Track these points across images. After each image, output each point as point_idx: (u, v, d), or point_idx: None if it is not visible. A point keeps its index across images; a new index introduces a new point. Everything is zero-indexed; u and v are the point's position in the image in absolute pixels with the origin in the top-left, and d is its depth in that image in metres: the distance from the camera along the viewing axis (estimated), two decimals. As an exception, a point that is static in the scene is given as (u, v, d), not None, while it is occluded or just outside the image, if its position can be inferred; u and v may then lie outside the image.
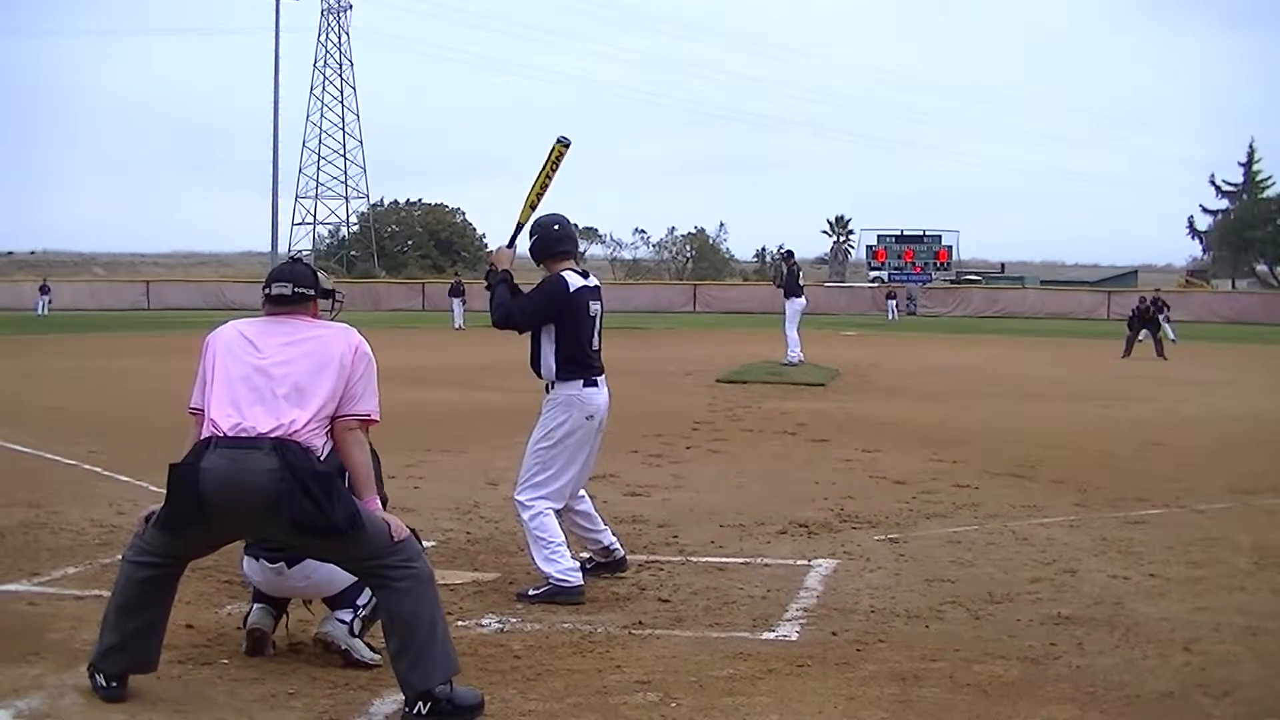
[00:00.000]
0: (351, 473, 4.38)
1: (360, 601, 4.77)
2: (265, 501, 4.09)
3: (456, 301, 39.08)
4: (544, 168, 6.20)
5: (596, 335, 6.12)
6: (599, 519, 6.34)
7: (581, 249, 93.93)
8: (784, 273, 22.48)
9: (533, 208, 6.13)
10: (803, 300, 21.69)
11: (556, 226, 6.16)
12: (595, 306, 6.11)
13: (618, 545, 6.35)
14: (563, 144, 6.17)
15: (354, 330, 4.51)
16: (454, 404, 15.13)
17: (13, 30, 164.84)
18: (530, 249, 6.17)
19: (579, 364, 6.02)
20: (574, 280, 6.03)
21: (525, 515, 5.99)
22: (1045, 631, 5.35)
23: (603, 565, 6.30)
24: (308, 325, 4.47)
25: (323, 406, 4.27)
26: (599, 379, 6.10)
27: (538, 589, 5.87)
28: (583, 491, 6.29)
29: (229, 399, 4.25)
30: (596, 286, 6.18)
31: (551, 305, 5.98)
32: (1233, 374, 22.85)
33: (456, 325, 37.85)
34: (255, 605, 4.94)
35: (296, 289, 4.50)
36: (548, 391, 6.10)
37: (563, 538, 5.98)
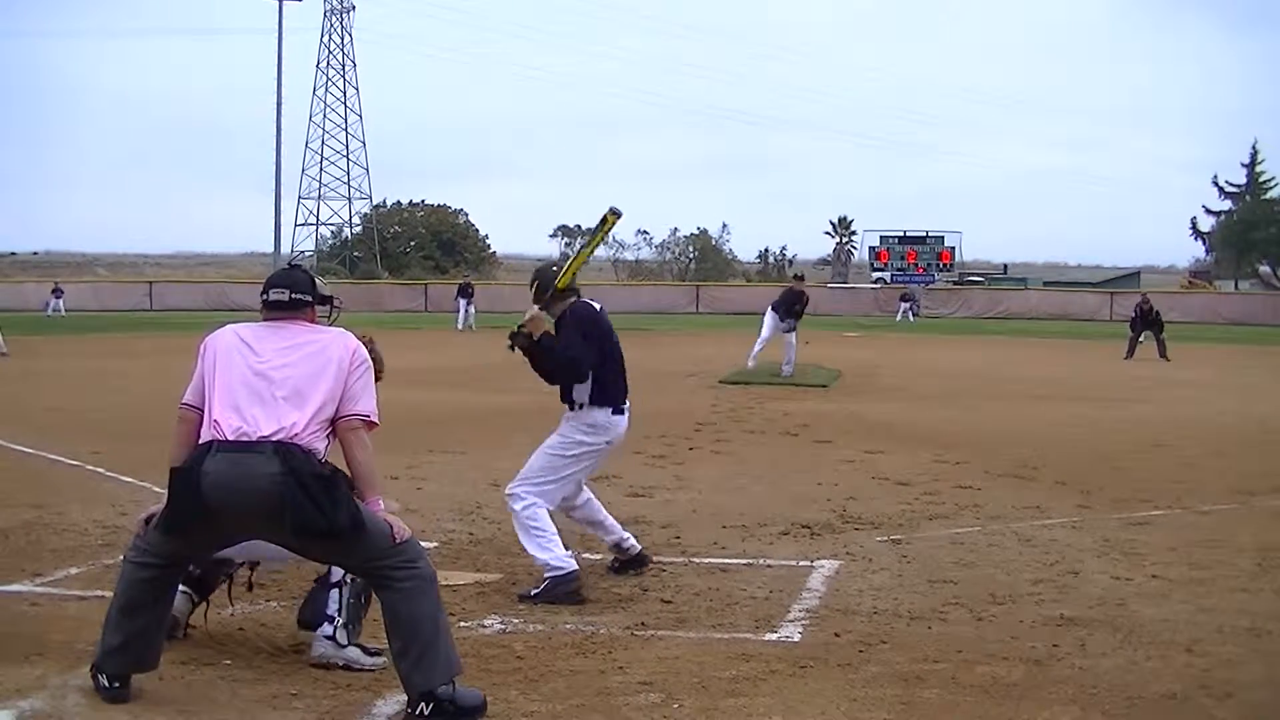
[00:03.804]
0: (354, 473, 4.38)
1: (331, 611, 4.72)
2: (267, 505, 4.10)
3: (464, 302, 38.94)
4: (594, 237, 6.31)
5: (622, 361, 6.17)
6: (606, 518, 6.35)
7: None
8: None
9: (572, 274, 6.14)
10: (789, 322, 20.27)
11: (555, 268, 6.24)
12: (615, 335, 6.19)
13: (631, 540, 6.38)
14: (614, 214, 6.14)
15: (351, 334, 4.54)
16: (456, 405, 15.13)
17: (15, 30, 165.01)
18: (540, 286, 6.12)
19: (614, 389, 6.05)
20: (593, 303, 6.14)
21: (517, 506, 5.99)
22: (1048, 633, 5.35)
23: (626, 564, 6.33)
24: (305, 330, 4.49)
25: (322, 409, 4.29)
26: (625, 405, 6.13)
27: (538, 587, 5.88)
28: (588, 494, 6.32)
29: (229, 403, 4.25)
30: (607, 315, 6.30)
31: (597, 332, 6.01)
32: (1235, 375, 22.84)
33: (460, 326, 37.78)
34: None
35: (294, 295, 4.52)
36: (573, 409, 6.09)
37: (555, 529, 6.00)
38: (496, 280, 67.87)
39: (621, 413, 6.10)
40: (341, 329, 4.62)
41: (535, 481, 6.01)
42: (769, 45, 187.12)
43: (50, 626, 5.22)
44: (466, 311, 38.32)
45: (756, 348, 20.42)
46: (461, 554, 6.84)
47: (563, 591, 5.80)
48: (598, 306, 6.16)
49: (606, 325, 6.10)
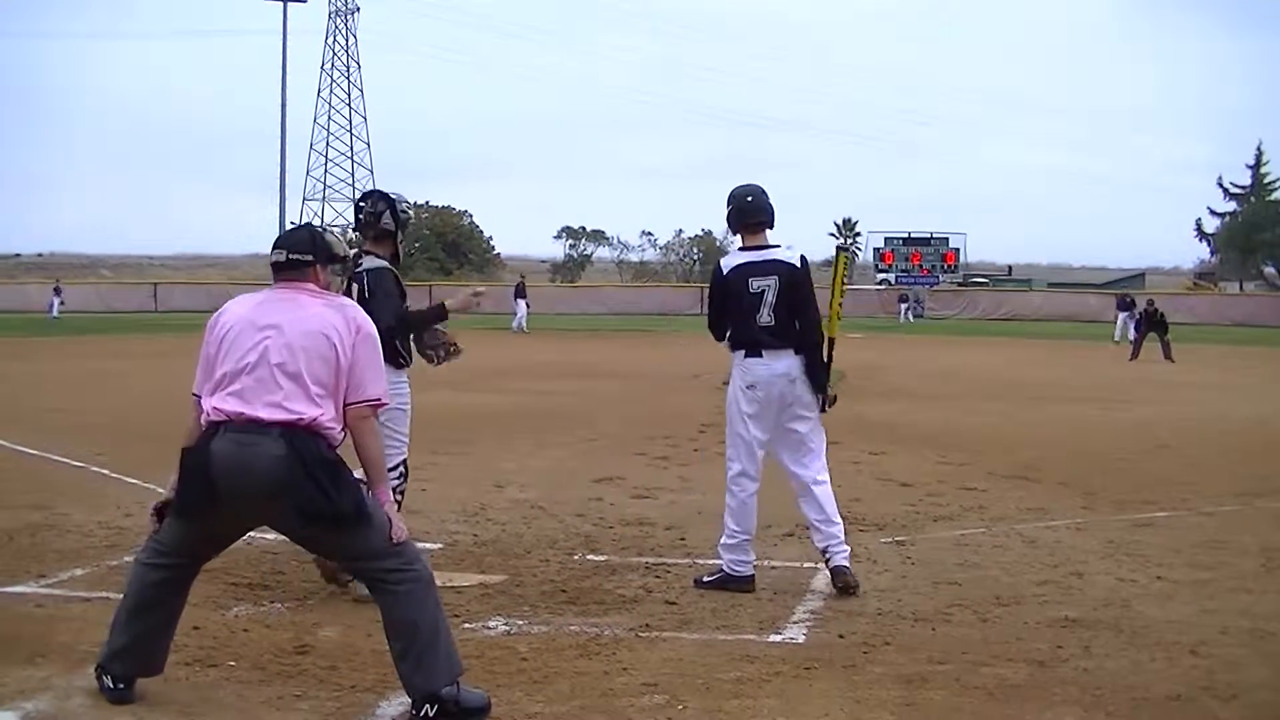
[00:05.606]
0: (364, 461, 4.30)
1: None
2: (272, 487, 4.05)
3: (522, 303, 38.84)
4: (837, 278, 6.53)
5: (767, 309, 6.12)
6: (829, 517, 6.12)
7: (590, 251, 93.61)
8: None
9: (838, 318, 6.42)
10: None
11: (750, 198, 6.27)
12: (759, 283, 6.12)
13: (832, 549, 6.09)
14: (845, 253, 6.52)
15: (357, 307, 4.41)
16: (460, 406, 15.09)
17: (20, 32, 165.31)
18: (727, 219, 6.33)
19: (742, 335, 6.20)
20: (731, 261, 6.28)
21: (728, 478, 6.27)
22: (1052, 634, 5.35)
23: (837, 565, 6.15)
24: (309, 300, 4.32)
25: (327, 389, 4.17)
26: (765, 351, 6.12)
27: (712, 576, 6.14)
28: (823, 479, 6.17)
29: (234, 383, 4.17)
30: (769, 260, 6.17)
31: (714, 296, 6.33)
32: (1240, 376, 22.82)
33: (515, 327, 37.47)
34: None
35: (290, 255, 4.37)
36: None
37: (747, 525, 6.14)
38: (502, 282, 67.80)
39: (757, 355, 6.12)
40: (345, 299, 4.51)
41: (730, 442, 6.26)
42: (770, 45, 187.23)
43: (54, 628, 5.22)
44: (521, 312, 38.44)
45: None
46: (466, 556, 6.84)
47: (733, 588, 6.04)
48: (730, 265, 6.25)
49: (727, 285, 6.21)
